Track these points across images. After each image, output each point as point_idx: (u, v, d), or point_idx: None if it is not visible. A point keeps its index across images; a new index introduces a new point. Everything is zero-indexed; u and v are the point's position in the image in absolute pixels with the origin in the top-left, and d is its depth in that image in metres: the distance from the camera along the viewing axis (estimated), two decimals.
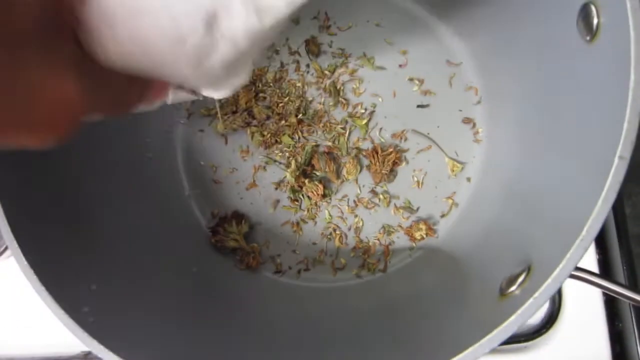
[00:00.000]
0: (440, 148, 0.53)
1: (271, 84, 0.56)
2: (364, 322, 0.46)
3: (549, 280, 0.28)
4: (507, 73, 0.49)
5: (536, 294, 0.29)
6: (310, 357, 0.43)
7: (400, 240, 0.52)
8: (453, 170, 0.52)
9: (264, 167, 0.54)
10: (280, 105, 0.55)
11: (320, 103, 0.55)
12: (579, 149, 0.37)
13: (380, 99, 0.54)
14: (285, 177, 0.54)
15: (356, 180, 0.53)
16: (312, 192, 0.52)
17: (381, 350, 0.41)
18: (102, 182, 0.47)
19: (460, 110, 0.52)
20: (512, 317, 0.29)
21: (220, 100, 0.56)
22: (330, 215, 0.53)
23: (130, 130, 0.53)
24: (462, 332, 0.36)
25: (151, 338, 0.41)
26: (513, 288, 0.32)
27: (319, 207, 0.53)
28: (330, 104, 0.54)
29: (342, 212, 0.53)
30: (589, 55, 0.36)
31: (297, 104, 0.55)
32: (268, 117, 0.55)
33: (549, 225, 0.35)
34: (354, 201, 0.53)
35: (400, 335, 0.43)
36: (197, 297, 0.48)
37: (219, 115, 0.55)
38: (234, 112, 0.55)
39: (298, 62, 0.56)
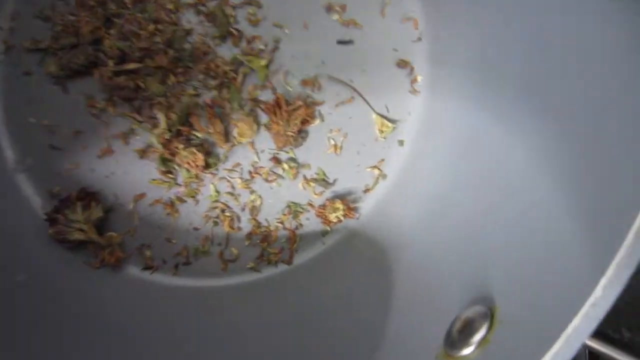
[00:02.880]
0: (366, 101, 0.41)
1: (129, 5, 0.39)
2: (263, 336, 0.37)
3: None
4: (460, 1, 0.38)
5: None
6: None
7: (310, 222, 0.41)
8: (382, 131, 0.41)
9: (125, 131, 0.39)
10: (144, 36, 0.38)
11: (201, 34, 0.40)
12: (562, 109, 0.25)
13: (286, 31, 0.41)
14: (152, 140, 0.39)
15: (252, 144, 0.40)
16: (189, 162, 0.37)
17: None
18: None
19: (395, 50, 0.41)
20: None
21: (54, 30, 0.39)
22: (216, 191, 0.40)
23: None
24: None
25: None
26: (467, 351, 0.20)
27: (202, 180, 0.39)
28: (216, 35, 0.40)
29: (232, 187, 0.40)
30: None
31: (167, 35, 0.39)
32: (124, 55, 0.38)
33: (525, 244, 0.24)
34: (250, 172, 0.40)
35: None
36: (30, 317, 0.36)
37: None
38: (74, 47, 0.39)
39: None
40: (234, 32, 0.40)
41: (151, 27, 0.39)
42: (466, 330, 0.20)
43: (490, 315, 0.20)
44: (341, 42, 0.40)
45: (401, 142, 0.41)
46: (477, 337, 0.19)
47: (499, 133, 0.35)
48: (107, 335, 0.36)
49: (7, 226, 0.38)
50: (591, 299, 0.17)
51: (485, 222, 0.30)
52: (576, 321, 0.16)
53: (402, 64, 0.41)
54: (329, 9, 0.40)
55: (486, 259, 0.25)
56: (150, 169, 0.40)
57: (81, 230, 0.38)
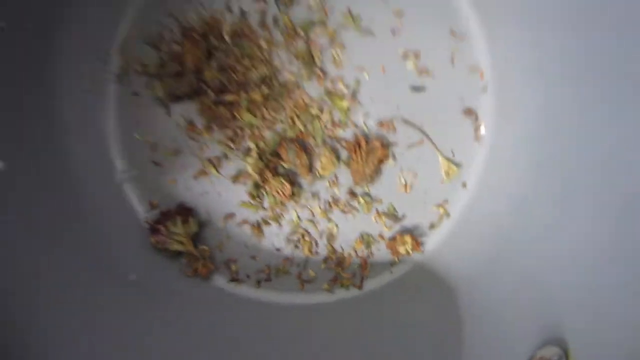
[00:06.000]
0: (434, 144, 0.43)
1: (228, 40, 0.43)
2: (331, 354, 0.40)
3: None
4: (526, 53, 0.40)
5: None
6: None
7: (380, 252, 0.44)
8: (448, 174, 0.43)
9: (219, 155, 0.43)
10: (241, 71, 0.42)
11: (290, 73, 0.43)
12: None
13: (365, 75, 0.43)
14: (245, 167, 0.43)
15: (335, 177, 0.43)
16: (278, 191, 0.42)
17: None
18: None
19: (462, 99, 0.43)
20: None
21: (161, 57, 0.43)
22: (298, 217, 0.44)
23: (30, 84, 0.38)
24: None
25: None
26: None
27: (285, 206, 0.44)
28: (303, 74, 0.43)
29: (313, 215, 0.44)
30: None
31: (262, 72, 0.42)
32: (223, 86, 0.42)
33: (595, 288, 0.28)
34: (329, 203, 0.44)
35: None
36: (137, 313, 0.40)
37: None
38: (179, 74, 0.42)
39: (264, 12, 0.43)
40: (319, 72, 0.42)
41: (246, 61, 0.42)
42: None
43: (565, 356, 0.24)
44: (415, 89, 0.43)
45: (464, 184, 0.43)
46: None
47: (556, 186, 0.37)
48: (192, 337, 0.40)
49: (116, 230, 0.42)
50: None
51: (552, 268, 0.33)
52: None
53: (468, 112, 0.43)
54: (405, 56, 0.43)
55: (558, 306, 0.29)
56: (240, 192, 0.43)
57: (180, 242, 0.42)
